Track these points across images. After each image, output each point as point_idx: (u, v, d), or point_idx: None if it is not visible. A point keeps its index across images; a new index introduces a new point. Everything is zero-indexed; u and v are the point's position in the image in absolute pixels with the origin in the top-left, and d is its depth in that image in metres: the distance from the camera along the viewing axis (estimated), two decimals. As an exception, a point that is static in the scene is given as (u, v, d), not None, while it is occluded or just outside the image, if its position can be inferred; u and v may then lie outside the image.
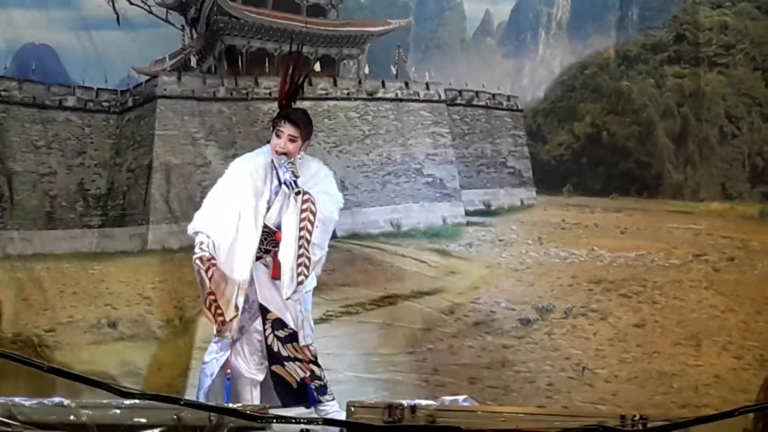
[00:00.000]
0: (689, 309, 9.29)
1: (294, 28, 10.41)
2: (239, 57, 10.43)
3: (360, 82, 10.41)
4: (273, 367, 6.91)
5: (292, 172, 6.69)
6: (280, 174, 6.77)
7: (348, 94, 10.21)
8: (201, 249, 6.70)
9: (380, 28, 10.50)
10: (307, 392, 6.89)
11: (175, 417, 4.37)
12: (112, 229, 10.17)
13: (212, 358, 7.02)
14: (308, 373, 6.89)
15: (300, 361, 6.88)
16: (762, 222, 9.53)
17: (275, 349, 6.89)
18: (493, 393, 9.14)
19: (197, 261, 6.68)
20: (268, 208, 6.83)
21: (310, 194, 6.69)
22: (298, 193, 6.65)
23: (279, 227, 6.76)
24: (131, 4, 10.10)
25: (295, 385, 6.92)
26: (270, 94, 10.13)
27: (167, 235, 10.00)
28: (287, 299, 6.71)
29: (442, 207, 10.12)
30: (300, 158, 6.89)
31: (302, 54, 7.31)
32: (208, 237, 6.72)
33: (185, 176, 10.05)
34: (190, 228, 6.85)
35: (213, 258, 6.66)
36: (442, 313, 9.61)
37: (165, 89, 10.16)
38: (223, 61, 10.43)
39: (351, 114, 9.86)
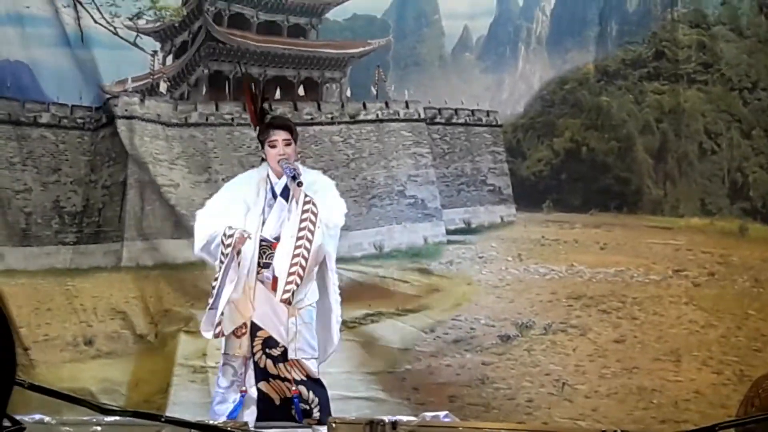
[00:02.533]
0: (669, 324, 9.30)
1: (277, 51, 10.40)
2: (226, 83, 10.41)
3: (343, 106, 10.40)
4: (259, 384, 6.80)
5: (294, 168, 6.68)
6: (276, 186, 6.79)
7: (332, 118, 10.21)
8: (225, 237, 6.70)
9: (360, 50, 10.50)
10: (290, 409, 6.77)
11: (155, 433, 4.34)
12: (87, 246, 10.11)
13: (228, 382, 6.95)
14: (294, 394, 6.76)
15: (288, 381, 6.76)
16: (742, 237, 9.57)
17: (262, 366, 6.79)
18: (474, 411, 9.12)
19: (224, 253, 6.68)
20: (264, 222, 6.80)
21: (311, 197, 6.68)
22: (300, 184, 6.63)
23: (278, 239, 6.75)
24: (95, 22, 10.07)
25: (278, 402, 6.79)
26: (257, 119, 10.18)
27: (141, 252, 9.96)
28: (282, 301, 6.63)
29: (424, 227, 10.12)
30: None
31: (283, 77, 7.35)
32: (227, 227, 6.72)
33: (156, 194, 10.00)
34: (196, 249, 6.86)
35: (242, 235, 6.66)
36: (422, 332, 9.60)
37: (126, 110, 10.11)
38: (200, 87, 10.40)
39: (335, 138, 9.87)
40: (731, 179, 9.67)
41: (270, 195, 6.85)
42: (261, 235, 6.76)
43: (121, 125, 10.05)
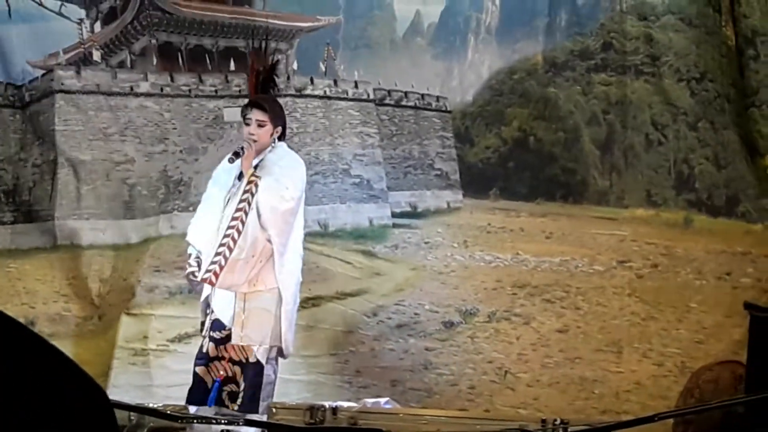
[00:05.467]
0: (611, 315, 9.35)
1: (224, 20, 10.33)
2: (178, 53, 10.31)
3: (288, 78, 10.34)
4: (197, 368, 6.61)
5: (242, 147, 6.54)
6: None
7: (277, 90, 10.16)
8: (189, 264, 6.62)
9: (309, 24, 10.46)
10: (220, 393, 6.53)
11: (93, 415, 4.26)
12: (25, 225, 9.98)
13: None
14: (228, 374, 6.56)
15: (225, 360, 6.57)
16: (686, 229, 9.63)
17: (204, 350, 6.60)
18: (416, 395, 9.11)
19: (189, 277, 6.62)
20: (228, 201, 6.59)
21: (256, 179, 6.50)
22: (230, 160, 6.52)
23: None
24: None
25: (210, 385, 6.55)
26: (216, 91, 10.07)
27: (76, 230, 9.82)
28: (202, 281, 6.45)
29: (369, 208, 10.10)
30: (274, 146, 6.68)
31: (262, 48, 7.09)
32: (195, 249, 6.63)
33: (100, 173, 9.88)
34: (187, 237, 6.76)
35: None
36: (365, 315, 9.58)
37: (62, 84, 9.98)
38: (148, 57, 10.30)
39: (279, 111, 9.82)
40: (677, 171, 9.73)
41: (237, 174, 6.69)
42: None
43: (60, 100, 9.92)
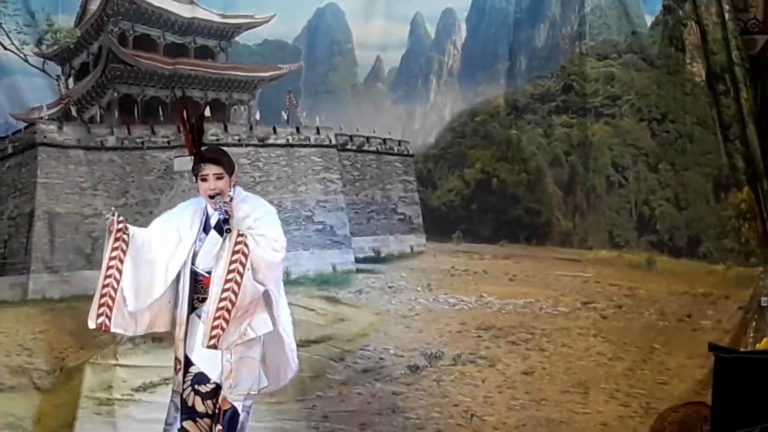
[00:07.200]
0: (577, 356, 9.37)
1: (184, 72, 10.32)
2: (134, 105, 10.30)
3: (251, 128, 10.34)
4: (184, 423, 6.65)
5: (226, 211, 6.51)
6: (212, 218, 6.64)
7: (239, 139, 10.14)
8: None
9: (270, 73, 10.46)
10: None
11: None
12: (-3, 279, 9.94)
13: None
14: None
15: (213, 418, 6.63)
16: (648, 270, 9.69)
17: (190, 404, 6.65)
18: (386, 439, 9.10)
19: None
20: (195, 254, 6.66)
21: (244, 236, 6.50)
22: (228, 230, 6.48)
23: (211, 273, 6.57)
24: (5, 49, 9.94)
25: None
26: (168, 142, 10.05)
27: (48, 284, 9.80)
28: (208, 347, 6.44)
29: (332, 254, 10.09)
30: (231, 193, 6.69)
31: (189, 97, 7.03)
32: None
33: (71, 226, 9.87)
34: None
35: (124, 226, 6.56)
36: (332, 360, 9.54)
37: (45, 137, 9.97)
38: (112, 110, 10.28)
39: (242, 161, 9.75)
40: (638, 212, 9.78)
41: (203, 226, 6.70)
42: (193, 268, 6.65)
43: (42, 153, 9.91)
